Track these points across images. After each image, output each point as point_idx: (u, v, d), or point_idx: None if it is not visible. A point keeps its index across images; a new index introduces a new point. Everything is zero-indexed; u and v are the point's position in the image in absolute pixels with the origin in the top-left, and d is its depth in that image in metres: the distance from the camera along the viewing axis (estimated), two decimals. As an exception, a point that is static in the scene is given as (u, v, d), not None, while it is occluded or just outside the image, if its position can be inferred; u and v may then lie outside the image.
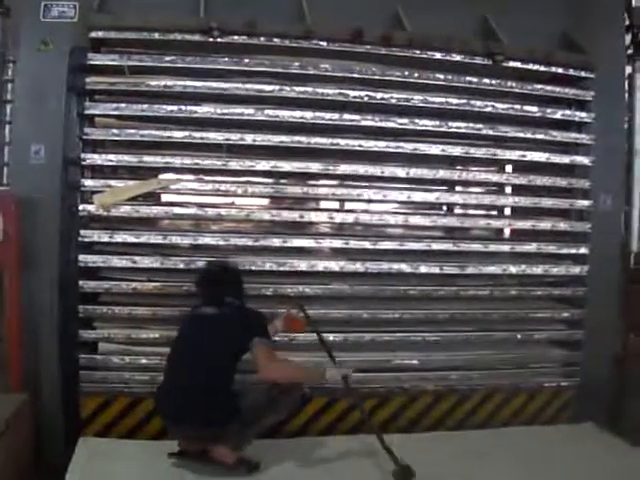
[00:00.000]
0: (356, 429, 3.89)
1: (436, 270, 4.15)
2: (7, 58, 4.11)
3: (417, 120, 4.07)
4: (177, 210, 4.02)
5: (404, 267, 4.10)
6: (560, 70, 4.22)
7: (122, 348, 3.89)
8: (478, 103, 4.13)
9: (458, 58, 4.07)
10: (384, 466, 3.30)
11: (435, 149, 4.16)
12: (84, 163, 3.85)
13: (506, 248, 4.34)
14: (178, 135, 3.90)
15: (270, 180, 4.27)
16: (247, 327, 3.34)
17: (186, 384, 3.24)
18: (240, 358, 3.34)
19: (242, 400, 3.29)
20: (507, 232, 4.70)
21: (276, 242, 4.01)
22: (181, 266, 3.91)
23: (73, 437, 3.66)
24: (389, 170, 4.12)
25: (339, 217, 4.20)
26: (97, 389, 3.87)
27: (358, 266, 4.06)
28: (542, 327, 4.34)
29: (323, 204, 4.67)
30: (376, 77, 4.01)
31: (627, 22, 4.72)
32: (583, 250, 4.30)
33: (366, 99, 4.00)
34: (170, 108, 3.86)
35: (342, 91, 3.97)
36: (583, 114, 4.28)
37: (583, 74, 4.24)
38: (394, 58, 4.02)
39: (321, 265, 4.04)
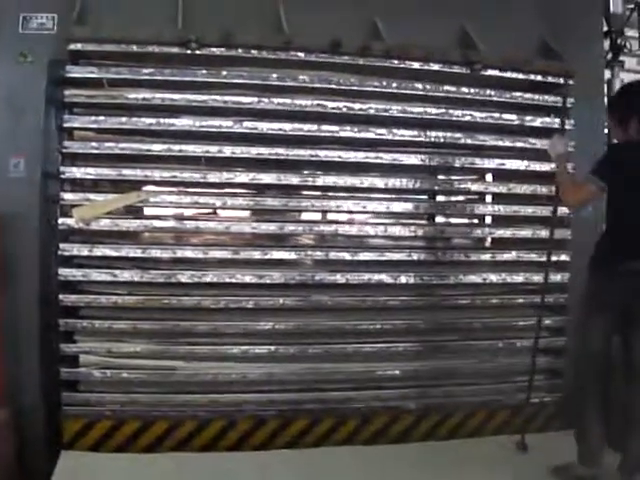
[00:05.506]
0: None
1: (417, 280, 4.14)
2: (-15, 71, 4.07)
3: (396, 130, 4.06)
4: (157, 223, 4.02)
5: (384, 277, 4.09)
6: (539, 77, 4.22)
7: (103, 360, 3.87)
8: (457, 112, 4.12)
9: (436, 67, 4.06)
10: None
11: (414, 159, 4.15)
12: (63, 176, 3.82)
13: (487, 257, 4.34)
14: (157, 148, 3.88)
15: (249, 192, 4.25)
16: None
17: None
18: None
19: None
20: (488, 240, 4.70)
21: (256, 254, 4.00)
22: (161, 280, 3.90)
23: (57, 453, 3.65)
24: (368, 181, 4.11)
25: (319, 229, 4.17)
26: (79, 412, 3.83)
27: (338, 277, 4.06)
28: (524, 335, 4.31)
29: (303, 216, 4.64)
30: (354, 88, 4.00)
31: (605, 28, 4.74)
32: (564, 257, 4.30)
33: (344, 110, 3.99)
34: (149, 121, 3.84)
35: (320, 102, 3.96)
36: (563, 121, 4.29)
37: (562, 81, 4.22)
38: (372, 68, 4.00)
39: (301, 277, 4.04)
